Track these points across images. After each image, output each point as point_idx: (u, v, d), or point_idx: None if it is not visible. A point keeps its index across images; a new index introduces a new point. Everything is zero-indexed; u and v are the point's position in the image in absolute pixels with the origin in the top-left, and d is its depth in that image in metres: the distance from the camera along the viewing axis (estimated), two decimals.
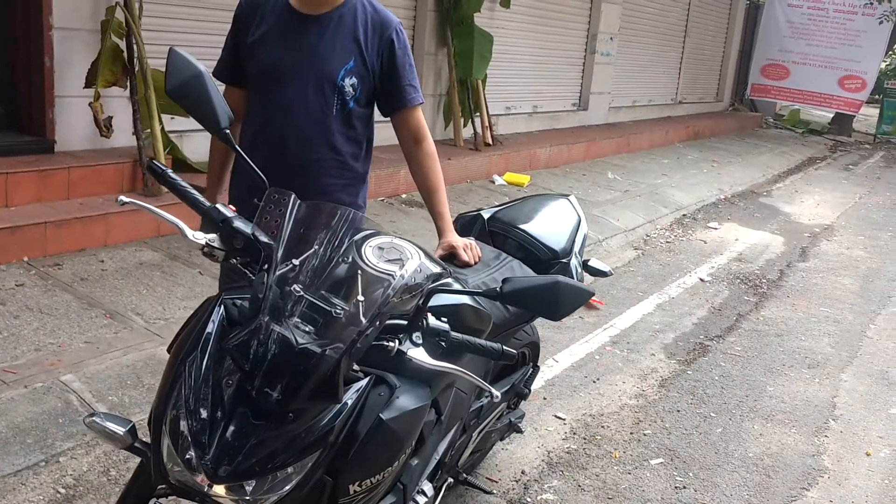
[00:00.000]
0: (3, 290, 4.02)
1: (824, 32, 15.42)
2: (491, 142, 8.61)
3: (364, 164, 2.66)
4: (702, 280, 6.27)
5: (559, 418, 3.86)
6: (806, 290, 6.25)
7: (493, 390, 1.83)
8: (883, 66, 18.10)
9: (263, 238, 1.77)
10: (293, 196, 1.83)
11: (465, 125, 8.47)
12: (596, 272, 3.00)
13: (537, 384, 4.16)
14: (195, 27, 5.82)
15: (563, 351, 4.63)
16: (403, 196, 7.01)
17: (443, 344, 1.83)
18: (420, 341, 1.79)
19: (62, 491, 2.82)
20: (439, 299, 2.01)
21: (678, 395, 4.23)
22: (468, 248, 2.55)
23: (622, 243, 7.05)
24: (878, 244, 7.92)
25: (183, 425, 1.63)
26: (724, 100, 16.48)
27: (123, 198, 1.83)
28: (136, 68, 5.14)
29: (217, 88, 1.91)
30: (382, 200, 6.66)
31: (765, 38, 15.96)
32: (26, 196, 4.69)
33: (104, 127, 5.07)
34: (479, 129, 8.48)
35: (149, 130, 5.19)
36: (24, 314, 3.82)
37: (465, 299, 2.16)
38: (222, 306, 1.77)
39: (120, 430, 1.74)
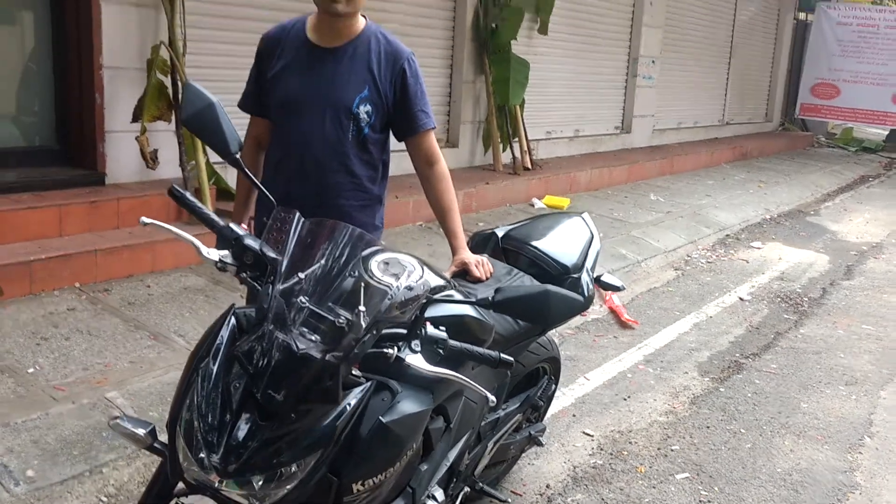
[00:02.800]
0: (56, 314, 4.25)
1: (875, 49, 15.17)
2: (530, 166, 8.68)
3: (380, 187, 2.80)
4: (741, 299, 6.24)
5: (587, 434, 3.91)
6: (849, 307, 6.17)
7: (489, 394, 1.92)
8: None
9: (270, 253, 1.91)
10: (297, 214, 1.97)
11: (504, 150, 8.58)
12: (608, 287, 3.07)
13: (567, 402, 4.23)
14: (236, 63, 6.01)
15: (596, 369, 4.68)
16: None
17: (440, 351, 1.94)
18: (419, 349, 1.91)
19: (104, 499, 2.99)
20: (442, 310, 2.13)
21: (709, 411, 4.24)
22: (480, 264, 2.65)
23: (662, 264, 7.05)
24: None
25: (196, 426, 1.77)
26: (774, 120, 16.30)
27: (145, 219, 1.99)
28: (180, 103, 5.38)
29: (228, 117, 2.06)
30: (420, 225, 6.79)
31: (813, 57, 15.76)
32: (78, 226, 4.95)
33: (150, 159, 5.32)
34: (517, 154, 8.58)
35: (193, 162, 5.42)
36: (75, 336, 4.04)
37: (468, 310, 2.27)
38: (234, 317, 1.91)
39: (141, 431, 1.89)
